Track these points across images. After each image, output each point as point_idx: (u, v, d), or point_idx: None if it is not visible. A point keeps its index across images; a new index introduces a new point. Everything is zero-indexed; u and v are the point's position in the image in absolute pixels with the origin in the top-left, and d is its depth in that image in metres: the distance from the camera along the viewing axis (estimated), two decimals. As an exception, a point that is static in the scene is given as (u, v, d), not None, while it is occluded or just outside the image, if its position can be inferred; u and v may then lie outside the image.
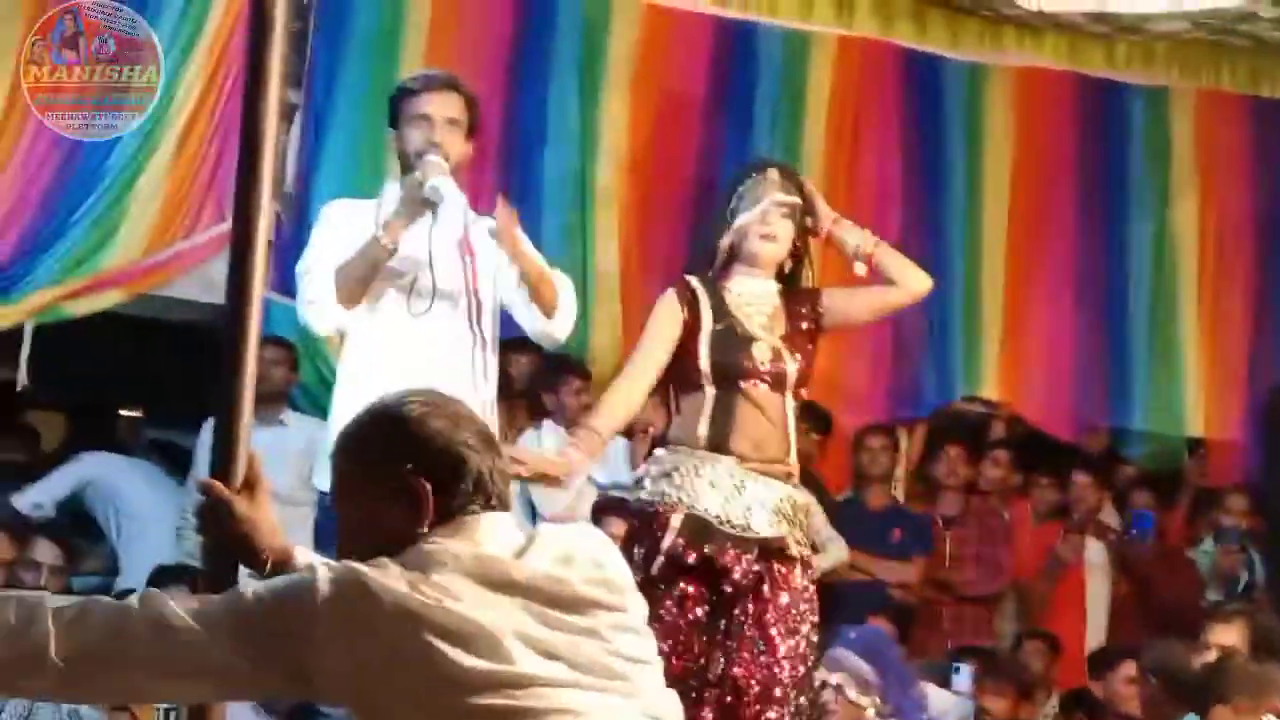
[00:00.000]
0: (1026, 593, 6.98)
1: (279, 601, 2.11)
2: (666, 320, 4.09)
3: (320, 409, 6.26)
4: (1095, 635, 6.86)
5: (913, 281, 4.19)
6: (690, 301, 4.10)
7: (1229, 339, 7.80)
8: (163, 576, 5.62)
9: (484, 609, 2.10)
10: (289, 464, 5.93)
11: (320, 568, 2.13)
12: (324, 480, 4.24)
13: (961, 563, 6.82)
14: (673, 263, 6.31)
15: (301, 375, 6.50)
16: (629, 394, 4.08)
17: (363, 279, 4.09)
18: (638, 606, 2.28)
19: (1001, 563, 6.88)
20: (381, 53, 6.84)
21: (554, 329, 4.29)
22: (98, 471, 6.56)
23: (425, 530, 2.19)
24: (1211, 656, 4.62)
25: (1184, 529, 7.40)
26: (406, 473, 2.20)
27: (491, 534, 2.20)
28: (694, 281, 4.14)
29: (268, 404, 6.07)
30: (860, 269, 4.21)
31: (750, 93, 7.28)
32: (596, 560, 2.25)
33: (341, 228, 4.19)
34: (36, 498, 6.35)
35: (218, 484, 2.34)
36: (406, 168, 4.20)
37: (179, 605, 2.12)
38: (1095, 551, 6.97)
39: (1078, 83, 7.82)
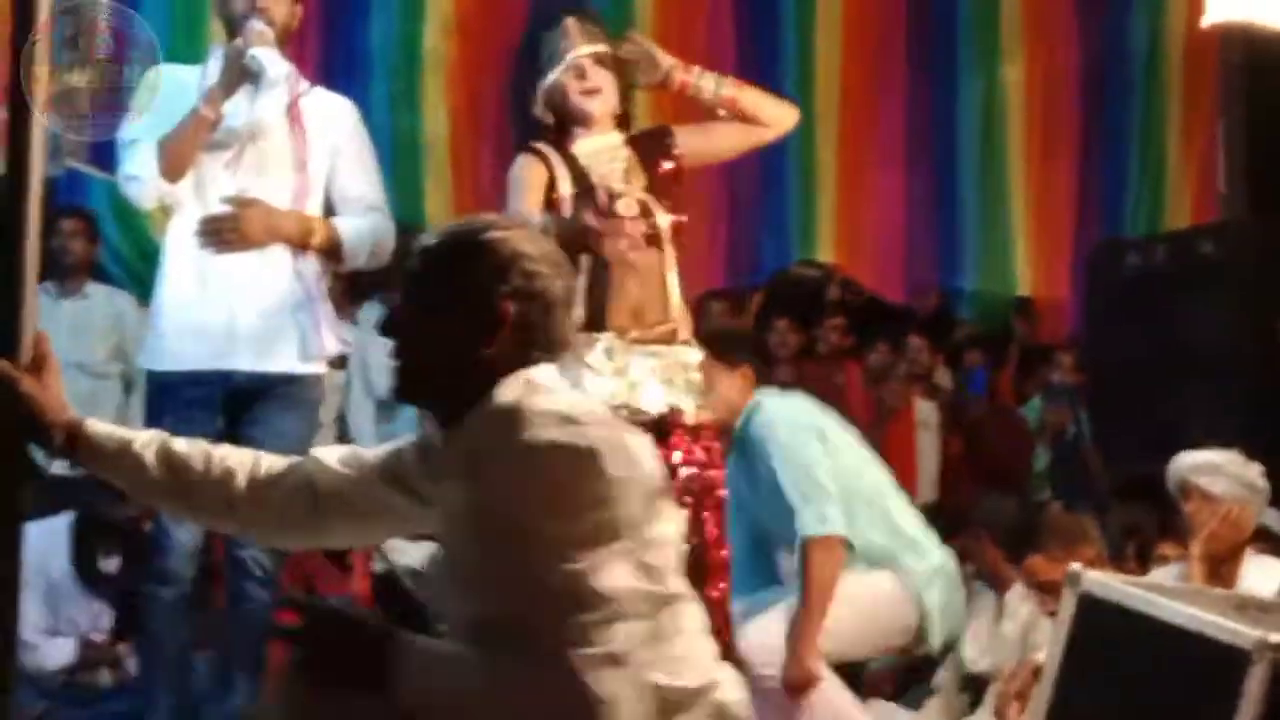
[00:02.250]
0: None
1: (581, 481, 2.04)
2: (531, 176, 3.84)
3: (138, 282, 6.12)
4: (926, 492, 6.99)
5: (781, 118, 4.01)
6: (546, 165, 3.87)
7: (1056, 198, 7.91)
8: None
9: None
10: (95, 336, 5.86)
11: (552, 430, 2.06)
12: (148, 359, 4.11)
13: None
14: (504, 128, 6.22)
15: (119, 248, 6.35)
16: None
17: (186, 150, 3.94)
18: None
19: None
20: (194, -87, 6.59)
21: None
22: None
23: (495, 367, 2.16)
24: None
25: (1013, 387, 7.55)
26: (505, 305, 2.17)
27: (562, 384, 2.23)
28: (541, 147, 3.91)
29: (70, 276, 5.97)
30: (723, 114, 3.99)
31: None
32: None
33: (163, 95, 4.02)
34: None
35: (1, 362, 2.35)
36: (231, 33, 4.03)
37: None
38: (926, 411, 7.08)
39: (903, -57, 7.81)
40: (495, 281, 2.17)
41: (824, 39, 7.67)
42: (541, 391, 2.15)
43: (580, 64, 3.87)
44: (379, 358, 6.08)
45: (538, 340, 2.19)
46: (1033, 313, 7.76)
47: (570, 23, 3.93)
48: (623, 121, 3.98)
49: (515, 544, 2.04)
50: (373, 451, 2.43)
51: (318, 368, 4.12)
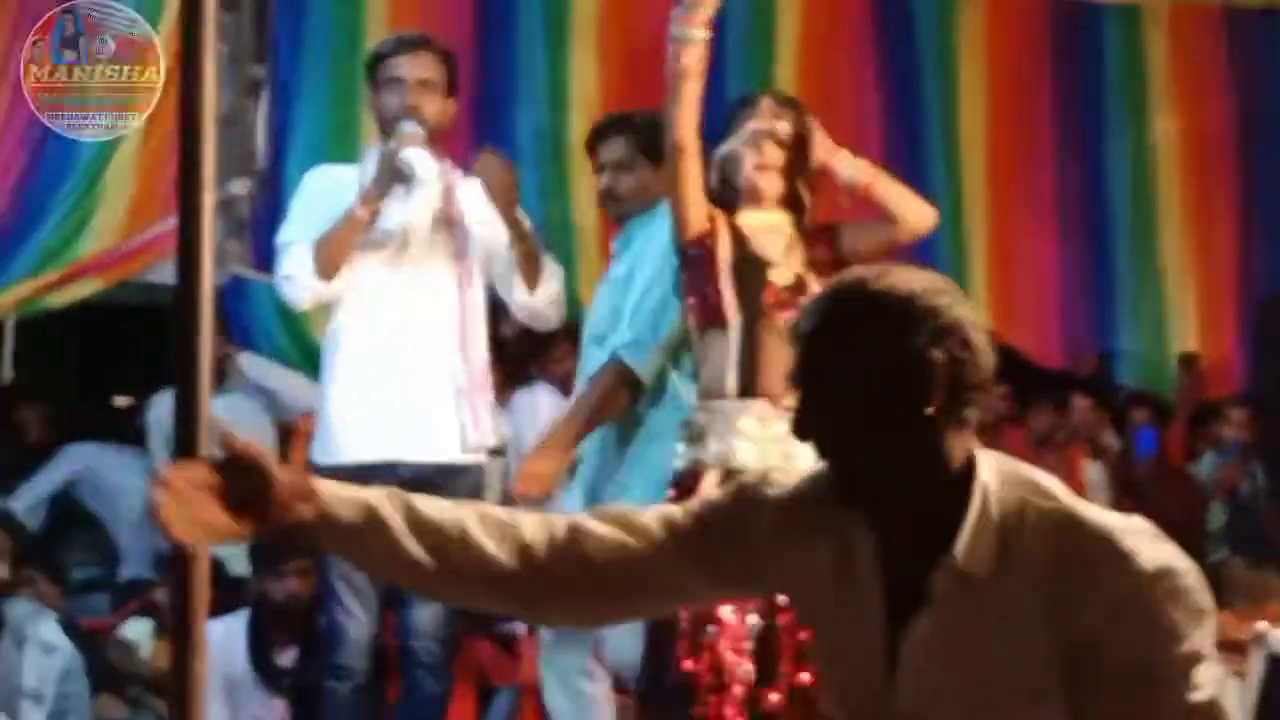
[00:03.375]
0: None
1: (1204, 601, 1.90)
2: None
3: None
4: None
5: (914, 217, 3.93)
6: (712, 219, 3.86)
7: (1217, 252, 7.77)
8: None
9: None
10: (242, 430, 5.98)
11: (1154, 550, 1.88)
12: (318, 452, 4.18)
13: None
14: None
15: (285, 350, 6.51)
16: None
17: (340, 250, 4.02)
18: None
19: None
20: (344, 19, 6.77)
21: (537, 304, 4.19)
22: (86, 464, 6.52)
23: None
24: None
25: (1183, 444, 7.38)
26: (941, 371, 1.90)
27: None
28: (710, 208, 3.91)
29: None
30: (845, 202, 3.98)
31: (720, 31, 7.17)
32: None
33: (320, 197, 4.12)
34: (25, 500, 6.32)
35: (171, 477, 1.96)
36: (385, 133, 4.12)
37: None
38: (1094, 473, 6.96)
39: (1050, 4, 7.76)
40: (929, 345, 1.89)
41: (968, 104, 7.64)
42: (1048, 483, 1.96)
43: (758, 139, 3.88)
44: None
45: (968, 412, 1.93)
46: (1197, 368, 7.59)
47: (765, 100, 3.98)
48: (792, 203, 3.97)
49: (1151, 677, 1.87)
50: (661, 515, 2.11)
51: (478, 458, 4.16)
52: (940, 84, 7.64)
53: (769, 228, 3.91)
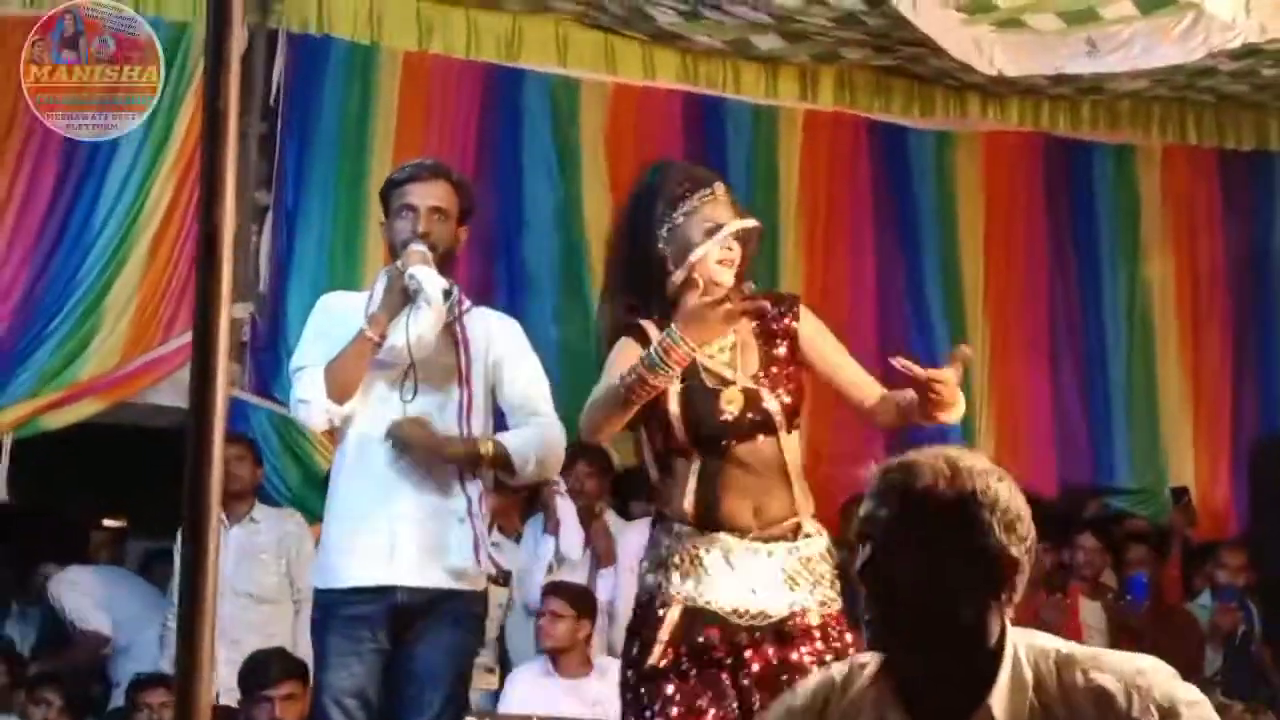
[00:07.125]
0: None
1: None
2: (630, 357, 3.47)
3: (301, 505, 6.20)
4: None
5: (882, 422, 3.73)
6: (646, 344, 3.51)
7: (1210, 390, 7.81)
8: (143, 685, 5.59)
9: None
10: (265, 560, 5.86)
11: None
12: (317, 576, 4.17)
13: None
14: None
15: (283, 474, 6.46)
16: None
17: (352, 373, 4.02)
18: None
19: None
20: (349, 149, 6.85)
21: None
22: (81, 588, 6.44)
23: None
24: None
25: (1178, 582, 7.33)
26: (1019, 561, 2.09)
27: None
28: (649, 328, 3.55)
29: (237, 501, 5.88)
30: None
31: (722, 166, 7.27)
32: None
33: (332, 321, 4.13)
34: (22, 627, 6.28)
35: None
36: (395, 258, 4.14)
37: None
38: (1092, 613, 6.89)
39: (1044, 144, 7.87)
40: (1005, 543, 2.07)
41: (965, 240, 7.72)
42: (1074, 651, 2.13)
43: (728, 240, 3.56)
44: (539, 578, 6.09)
45: (1018, 592, 2.11)
46: (1191, 506, 7.57)
47: (720, 187, 3.66)
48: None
49: None
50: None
51: (476, 584, 4.13)
52: (937, 219, 7.72)
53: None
